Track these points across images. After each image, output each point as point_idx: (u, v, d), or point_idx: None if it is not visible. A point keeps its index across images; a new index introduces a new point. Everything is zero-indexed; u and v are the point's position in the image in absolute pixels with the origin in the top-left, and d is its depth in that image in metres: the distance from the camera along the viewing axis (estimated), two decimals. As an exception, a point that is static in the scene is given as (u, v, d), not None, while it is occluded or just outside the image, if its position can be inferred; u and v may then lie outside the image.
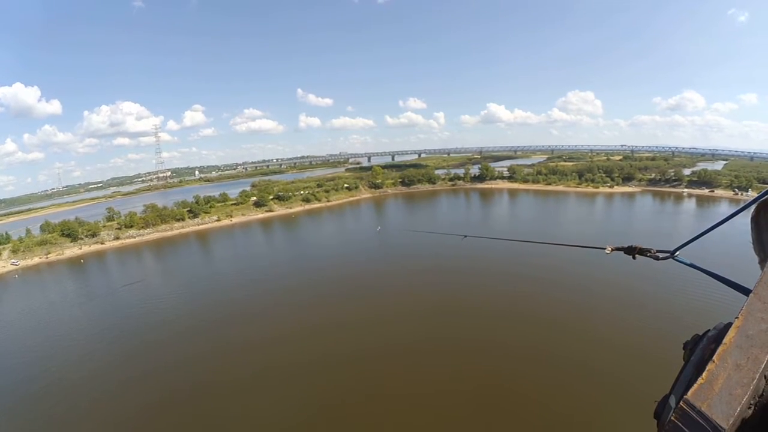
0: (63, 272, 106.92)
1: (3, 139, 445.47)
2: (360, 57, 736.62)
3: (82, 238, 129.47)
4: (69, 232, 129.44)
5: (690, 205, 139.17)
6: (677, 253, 3.64)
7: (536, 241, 17.92)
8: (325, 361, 47.37)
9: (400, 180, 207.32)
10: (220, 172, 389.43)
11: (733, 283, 2.77)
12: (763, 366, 1.54)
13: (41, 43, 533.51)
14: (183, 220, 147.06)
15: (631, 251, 4.06)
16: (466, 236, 14.67)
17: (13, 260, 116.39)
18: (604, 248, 4.62)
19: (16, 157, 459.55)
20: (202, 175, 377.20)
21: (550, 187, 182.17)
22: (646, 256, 3.94)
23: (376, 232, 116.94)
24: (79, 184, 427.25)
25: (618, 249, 4.34)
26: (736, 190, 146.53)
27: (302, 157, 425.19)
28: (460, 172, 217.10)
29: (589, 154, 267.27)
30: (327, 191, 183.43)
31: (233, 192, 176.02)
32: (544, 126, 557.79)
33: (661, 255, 3.80)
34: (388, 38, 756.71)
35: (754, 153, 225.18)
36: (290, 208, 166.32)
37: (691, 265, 3.55)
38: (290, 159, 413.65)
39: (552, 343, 47.99)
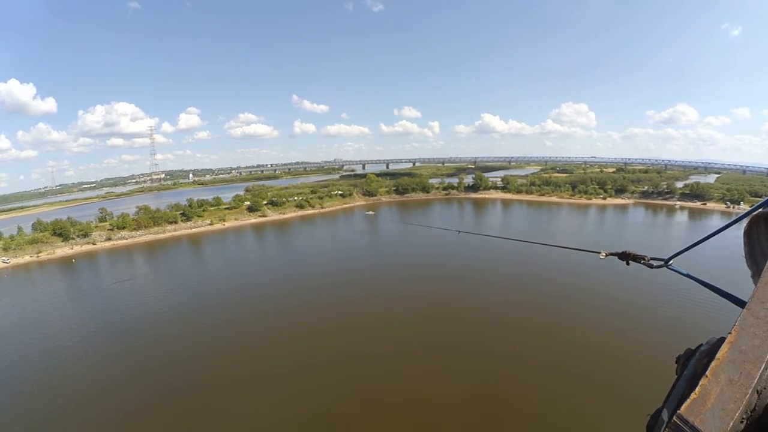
0: (54, 272, 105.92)
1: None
2: (355, 65, 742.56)
3: (73, 238, 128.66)
4: (61, 231, 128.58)
5: (682, 217, 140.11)
6: (671, 261, 3.63)
7: (531, 241, 18.12)
8: (316, 367, 47.03)
9: (394, 188, 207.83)
10: (214, 176, 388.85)
11: (728, 294, 2.71)
12: (755, 381, 1.54)
13: (37, 40, 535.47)
14: (175, 223, 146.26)
15: (625, 257, 4.04)
16: (460, 232, 15.11)
17: (3, 258, 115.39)
18: (599, 252, 4.63)
19: (9, 154, 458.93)
20: (196, 178, 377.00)
21: (543, 198, 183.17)
22: (639, 262, 3.91)
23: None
24: (72, 183, 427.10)
25: (612, 254, 4.35)
26: (728, 203, 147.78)
27: (297, 163, 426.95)
28: (454, 181, 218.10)
29: (583, 165, 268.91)
30: (321, 198, 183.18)
31: (227, 196, 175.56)
32: (538, 137, 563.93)
33: (655, 263, 3.77)
34: (384, 46, 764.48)
35: (747, 166, 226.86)
36: (284, 213, 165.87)
37: (687, 275, 3.52)
38: (285, 164, 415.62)
39: (545, 353, 47.94)
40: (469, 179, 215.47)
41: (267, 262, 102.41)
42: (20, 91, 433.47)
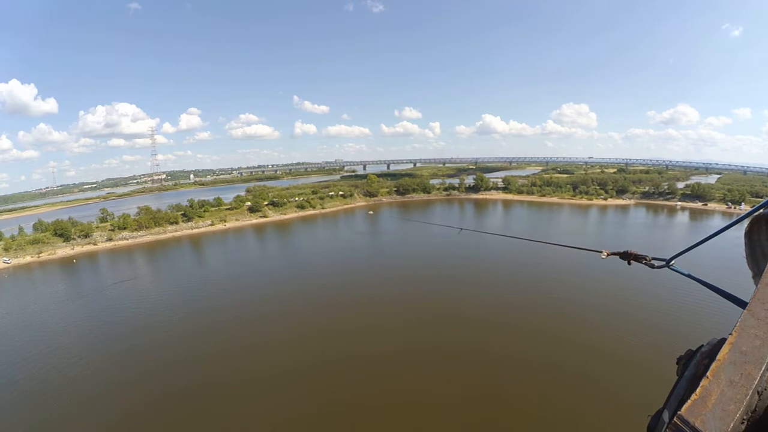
0: (55, 272, 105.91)
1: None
2: (356, 66, 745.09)
3: (74, 239, 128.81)
4: (62, 231, 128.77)
5: (683, 218, 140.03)
6: (673, 262, 3.62)
7: (532, 239, 18.04)
8: (316, 368, 47.04)
9: (395, 189, 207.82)
10: (215, 177, 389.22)
11: (729, 294, 2.71)
12: (756, 382, 1.54)
13: (38, 40, 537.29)
14: (177, 223, 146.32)
15: (627, 257, 4.03)
16: (461, 230, 14.98)
17: (4, 258, 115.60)
18: (601, 252, 4.62)
19: (10, 154, 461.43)
20: (197, 179, 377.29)
21: (544, 199, 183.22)
22: (641, 262, 3.90)
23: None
24: (74, 183, 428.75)
25: (614, 254, 4.33)
26: (729, 203, 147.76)
27: (298, 164, 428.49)
28: (455, 182, 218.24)
29: (584, 166, 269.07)
30: (322, 198, 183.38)
31: (228, 197, 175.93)
32: (539, 138, 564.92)
33: (656, 263, 3.76)
34: (384, 47, 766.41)
35: (748, 167, 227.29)
36: (285, 214, 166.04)
37: (688, 275, 3.51)
38: (286, 165, 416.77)
39: (546, 353, 47.84)
40: (470, 180, 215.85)
41: (268, 262, 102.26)
42: (21, 91, 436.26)
